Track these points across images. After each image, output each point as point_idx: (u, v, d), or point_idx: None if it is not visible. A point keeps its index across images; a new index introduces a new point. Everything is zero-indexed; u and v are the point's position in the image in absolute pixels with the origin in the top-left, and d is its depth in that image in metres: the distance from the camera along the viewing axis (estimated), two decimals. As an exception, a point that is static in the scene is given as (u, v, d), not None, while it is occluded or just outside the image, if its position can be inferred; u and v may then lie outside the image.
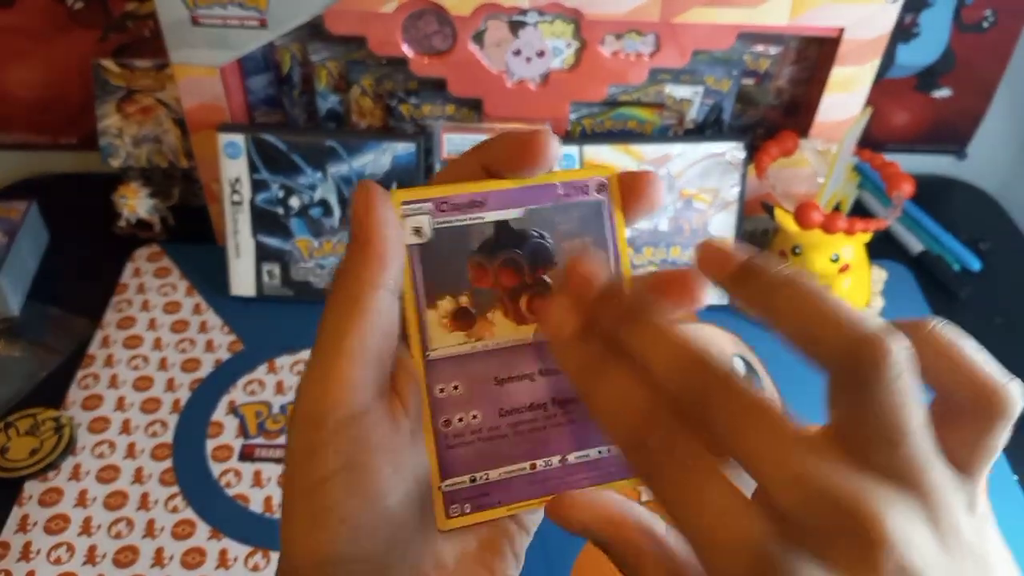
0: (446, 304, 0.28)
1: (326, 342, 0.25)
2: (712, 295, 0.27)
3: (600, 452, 0.29)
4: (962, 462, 0.22)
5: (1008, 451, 0.68)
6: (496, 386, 0.29)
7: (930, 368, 0.22)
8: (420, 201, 0.27)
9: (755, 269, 0.24)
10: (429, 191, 0.27)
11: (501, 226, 0.28)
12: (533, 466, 0.29)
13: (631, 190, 0.29)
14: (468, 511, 0.28)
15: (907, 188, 0.75)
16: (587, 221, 0.29)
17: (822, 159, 0.77)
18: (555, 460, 0.29)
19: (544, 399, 0.29)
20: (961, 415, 0.22)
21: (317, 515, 0.25)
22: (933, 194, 0.90)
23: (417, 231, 0.27)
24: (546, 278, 0.28)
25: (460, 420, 0.28)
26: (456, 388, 0.28)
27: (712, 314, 0.87)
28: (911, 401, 0.20)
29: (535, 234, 0.28)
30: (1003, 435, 0.23)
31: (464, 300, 0.28)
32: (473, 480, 0.28)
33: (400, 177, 0.74)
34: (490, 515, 0.28)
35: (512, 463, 0.28)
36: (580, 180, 0.29)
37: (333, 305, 0.26)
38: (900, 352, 0.20)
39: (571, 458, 0.29)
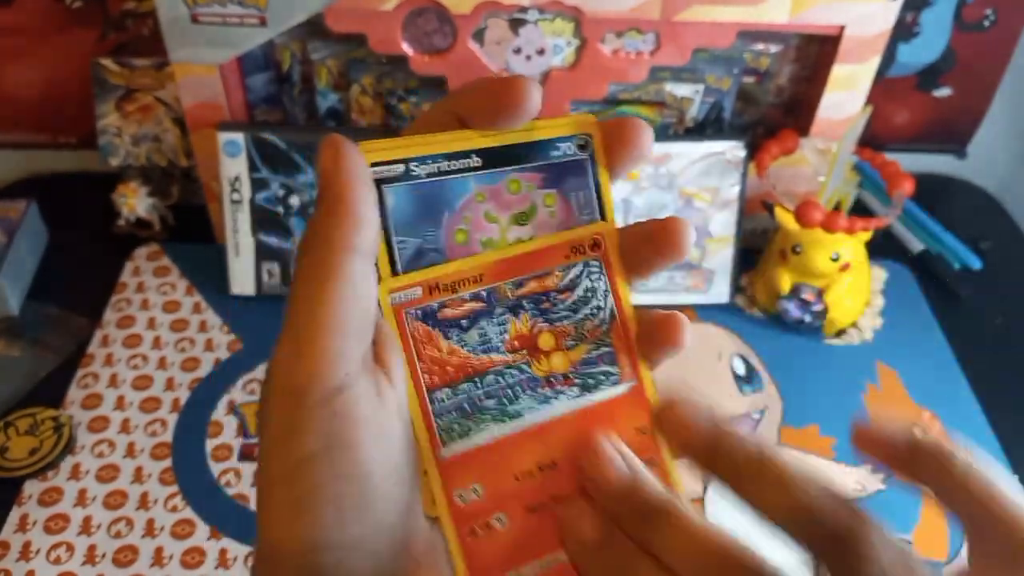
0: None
1: (299, 312, 0.23)
2: (692, 248, 0.27)
3: None
4: None
5: (1009, 450, 0.68)
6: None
7: (956, 501, 0.23)
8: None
9: (724, 445, 0.24)
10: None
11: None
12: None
13: (617, 139, 0.27)
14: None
15: (907, 187, 0.75)
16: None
17: (822, 158, 0.77)
18: None
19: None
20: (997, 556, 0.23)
21: (300, 499, 0.23)
22: (933, 193, 0.90)
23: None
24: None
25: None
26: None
27: (712, 313, 0.87)
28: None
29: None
30: None
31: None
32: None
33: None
34: None
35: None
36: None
37: (304, 272, 0.24)
38: (878, 545, 0.21)
39: None
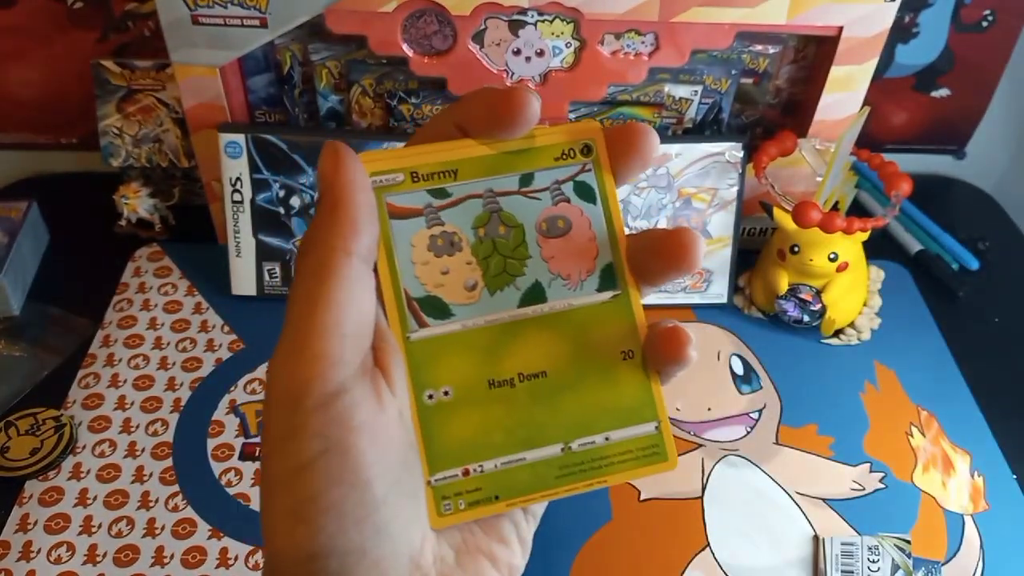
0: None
1: (297, 315, 0.23)
2: (703, 257, 0.26)
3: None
4: None
5: (1008, 450, 0.68)
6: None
7: None
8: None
9: None
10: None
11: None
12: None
13: (622, 145, 0.26)
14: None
15: (905, 187, 0.75)
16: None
17: (820, 158, 0.77)
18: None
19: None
20: None
21: (299, 506, 0.23)
22: (931, 193, 0.91)
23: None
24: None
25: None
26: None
27: (710, 313, 0.87)
28: None
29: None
30: None
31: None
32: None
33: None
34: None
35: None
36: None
37: (302, 276, 0.23)
38: None
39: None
